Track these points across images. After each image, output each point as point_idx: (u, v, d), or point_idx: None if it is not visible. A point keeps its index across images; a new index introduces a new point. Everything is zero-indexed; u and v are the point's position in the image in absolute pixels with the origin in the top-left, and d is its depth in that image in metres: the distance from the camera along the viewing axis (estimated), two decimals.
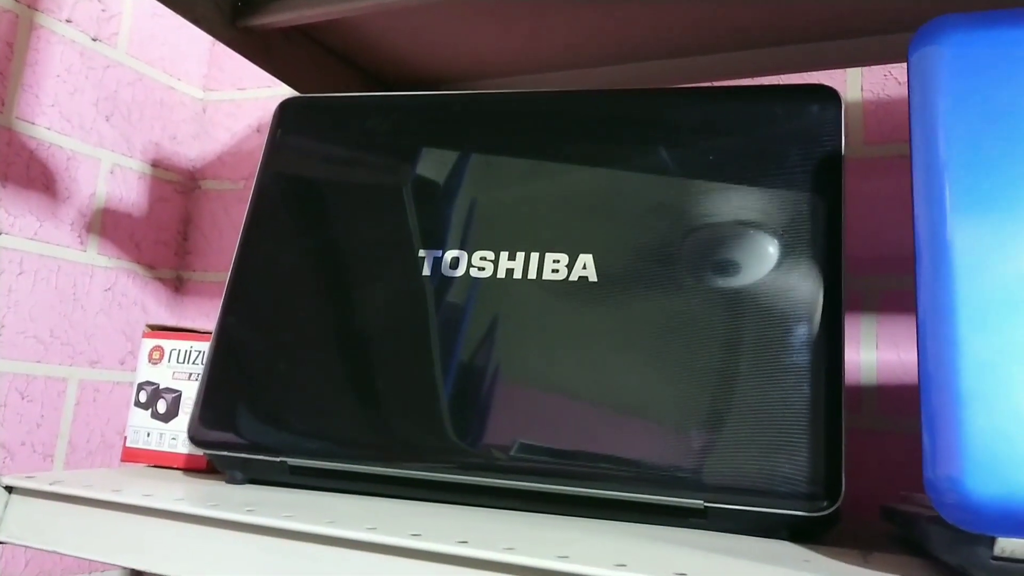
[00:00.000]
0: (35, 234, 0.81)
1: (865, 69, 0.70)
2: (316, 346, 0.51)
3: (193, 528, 0.41)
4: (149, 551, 0.42)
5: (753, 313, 0.44)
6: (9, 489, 0.47)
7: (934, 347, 0.33)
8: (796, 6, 0.61)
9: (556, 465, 0.44)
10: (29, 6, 0.81)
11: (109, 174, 0.89)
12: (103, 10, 0.89)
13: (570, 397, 0.45)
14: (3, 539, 0.46)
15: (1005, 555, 0.31)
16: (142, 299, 0.93)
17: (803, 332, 0.43)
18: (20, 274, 0.80)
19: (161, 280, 0.96)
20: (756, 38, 0.67)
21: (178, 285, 0.98)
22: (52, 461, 0.83)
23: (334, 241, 0.53)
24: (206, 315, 0.97)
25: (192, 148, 1.00)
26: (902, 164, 0.67)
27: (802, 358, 0.43)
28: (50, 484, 0.46)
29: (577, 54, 0.73)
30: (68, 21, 0.85)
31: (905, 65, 0.67)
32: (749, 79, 0.70)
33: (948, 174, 0.37)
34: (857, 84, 0.70)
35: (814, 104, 0.48)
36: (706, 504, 0.41)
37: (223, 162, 1.00)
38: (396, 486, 0.48)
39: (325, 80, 0.77)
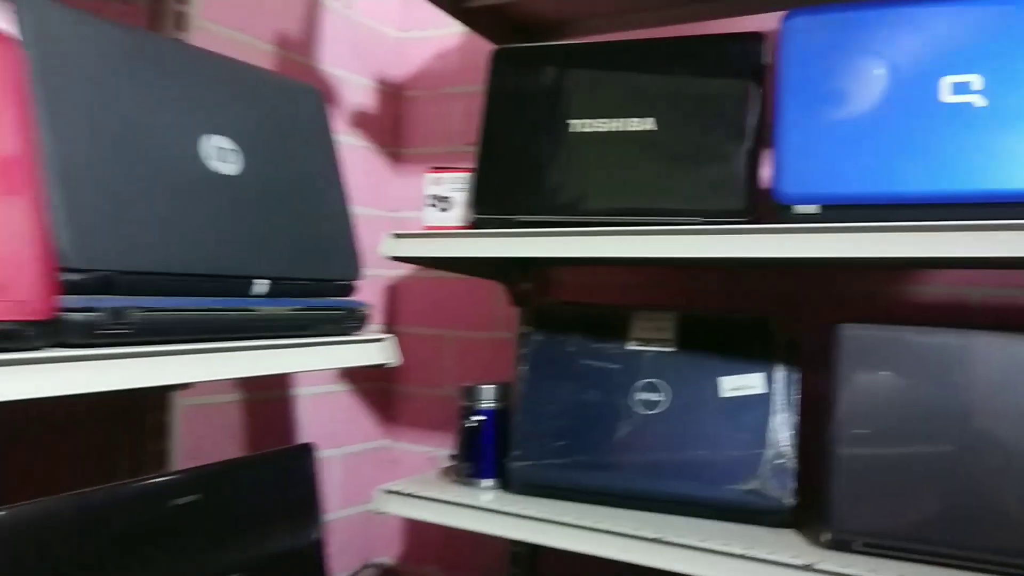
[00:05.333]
0: None
1: None
2: None
3: None
4: None
5: None
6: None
7: None
8: None
9: None
10: None
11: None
12: None
13: None
14: None
15: None
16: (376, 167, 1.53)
17: None
18: None
19: (381, 154, 1.55)
20: None
21: (396, 157, 1.58)
22: None
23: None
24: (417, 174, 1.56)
25: (396, 71, 1.58)
26: None
27: None
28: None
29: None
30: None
31: None
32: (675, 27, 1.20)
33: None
34: None
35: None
36: None
37: (418, 79, 1.57)
38: None
39: (491, 25, 1.28)
